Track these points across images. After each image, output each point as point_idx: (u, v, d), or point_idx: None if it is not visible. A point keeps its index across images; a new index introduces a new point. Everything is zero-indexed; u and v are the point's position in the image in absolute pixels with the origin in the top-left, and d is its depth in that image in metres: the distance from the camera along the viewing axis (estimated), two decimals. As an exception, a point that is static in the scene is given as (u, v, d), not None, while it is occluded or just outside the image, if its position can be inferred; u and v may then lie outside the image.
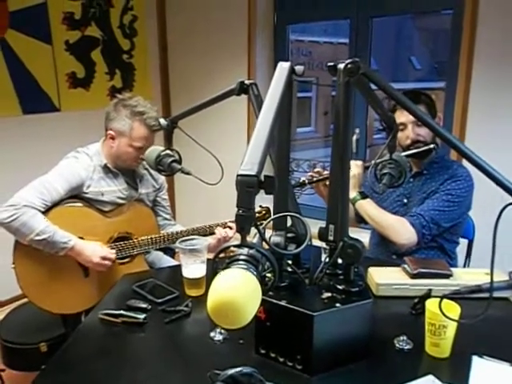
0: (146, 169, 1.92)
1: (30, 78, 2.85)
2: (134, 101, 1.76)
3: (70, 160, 1.75)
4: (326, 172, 1.73)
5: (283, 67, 0.95)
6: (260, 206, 1.95)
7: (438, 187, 1.73)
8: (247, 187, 0.69)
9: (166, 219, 2.03)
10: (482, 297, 0.85)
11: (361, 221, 1.91)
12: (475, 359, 1.04)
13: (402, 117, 1.70)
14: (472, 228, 1.99)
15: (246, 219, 0.70)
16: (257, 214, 1.93)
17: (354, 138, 2.91)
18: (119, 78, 3.39)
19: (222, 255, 0.76)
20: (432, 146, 1.70)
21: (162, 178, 2.00)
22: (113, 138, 1.77)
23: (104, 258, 1.65)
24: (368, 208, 1.73)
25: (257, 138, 0.77)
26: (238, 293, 0.67)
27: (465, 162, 1.83)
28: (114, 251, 1.70)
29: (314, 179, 1.73)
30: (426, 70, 8.88)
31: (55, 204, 1.66)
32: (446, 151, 2.03)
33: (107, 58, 3.28)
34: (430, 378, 0.97)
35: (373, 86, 1.08)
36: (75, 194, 1.72)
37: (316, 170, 1.76)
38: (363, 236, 1.47)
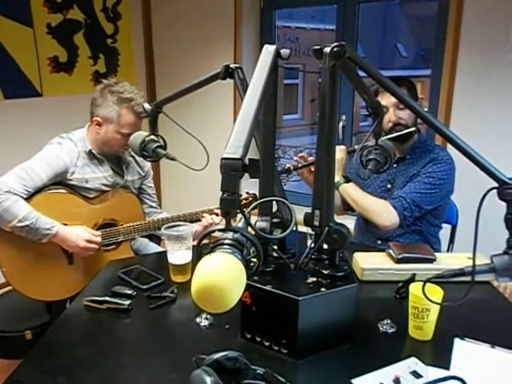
0: (132, 156, 1.90)
1: (11, 62, 2.77)
2: (121, 86, 1.73)
3: (54, 146, 1.72)
4: (310, 158, 1.73)
5: (268, 50, 0.93)
6: (247, 193, 1.95)
7: (420, 170, 1.75)
8: (231, 170, 0.68)
9: (151, 207, 2.01)
10: (464, 280, 0.86)
11: (348, 208, 1.92)
12: (457, 341, 1.06)
13: (383, 100, 1.72)
14: (455, 213, 2.02)
15: (230, 203, 0.69)
16: (243, 201, 1.93)
17: (341, 125, 2.91)
18: (103, 62, 3.32)
19: (206, 241, 0.76)
20: (413, 129, 1.72)
21: (147, 166, 1.98)
22: (99, 124, 1.74)
23: (89, 241, 1.63)
24: (351, 191, 1.74)
25: (241, 121, 0.76)
26: (222, 276, 0.67)
27: (449, 147, 1.85)
28: (98, 233, 1.68)
29: (300, 165, 1.73)
30: (412, 57, 8.90)
31: (38, 190, 1.63)
32: (429, 136, 2.05)
33: (90, 42, 3.21)
34: (413, 360, 0.98)
35: (361, 73, 1.08)
36: (59, 181, 1.69)
37: (300, 154, 1.76)
38: (349, 222, 1.48)
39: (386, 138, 1.40)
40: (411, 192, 1.71)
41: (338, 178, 1.73)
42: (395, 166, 1.83)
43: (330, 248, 1.08)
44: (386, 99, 1.70)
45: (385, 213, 1.69)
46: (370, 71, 1.00)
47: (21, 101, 2.85)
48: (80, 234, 1.63)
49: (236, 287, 0.68)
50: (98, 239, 1.66)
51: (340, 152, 1.74)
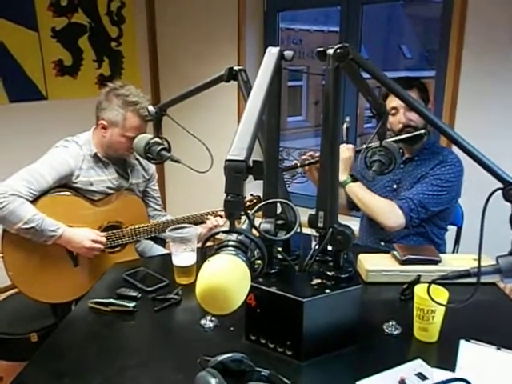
0: (137, 159, 1.90)
1: (16, 66, 2.80)
2: (126, 90, 1.73)
3: (60, 149, 1.73)
4: (317, 154, 1.73)
5: (272, 52, 0.94)
6: (251, 195, 1.95)
7: (428, 172, 1.74)
8: (235, 172, 0.68)
9: (156, 210, 2.02)
10: (469, 282, 0.85)
11: (353, 208, 1.91)
12: (462, 343, 1.05)
13: (393, 101, 1.71)
14: (461, 215, 2.01)
15: (234, 205, 0.69)
16: (248, 203, 1.93)
17: (345, 126, 2.91)
18: (107, 65, 3.34)
19: (210, 243, 0.76)
20: (423, 131, 1.70)
21: (152, 169, 1.98)
22: (105, 127, 1.74)
23: (95, 241, 1.64)
24: (358, 191, 1.74)
25: (245, 123, 0.76)
26: (226, 278, 0.67)
27: (454, 148, 1.85)
28: (103, 234, 1.69)
29: (306, 162, 1.73)
30: (416, 58, 8.88)
31: (44, 193, 1.64)
32: (436, 138, 2.04)
33: (95, 46, 3.23)
34: (419, 362, 0.98)
35: (365, 75, 1.08)
36: (64, 183, 1.70)
37: (308, 153, 1.76)
38: (353, 224, 1.48)
39: (393, 139, 1.39)
40: (418, 193, 1.69)
41: (345, 177, 1.72)
42: (402, 166, 1.82)
43: (335, 249, 1.08)
44: (396, 100, 1.69)
45: (391, 213, 1.68)
46: (373, 72, 1.00)
47: (26, 104, 2.87)
48: (86, 235, 1.63)
49: (240, 289, 0.68)
50: (103, 239, 1.67)
51: (348, 151, 1.73)
